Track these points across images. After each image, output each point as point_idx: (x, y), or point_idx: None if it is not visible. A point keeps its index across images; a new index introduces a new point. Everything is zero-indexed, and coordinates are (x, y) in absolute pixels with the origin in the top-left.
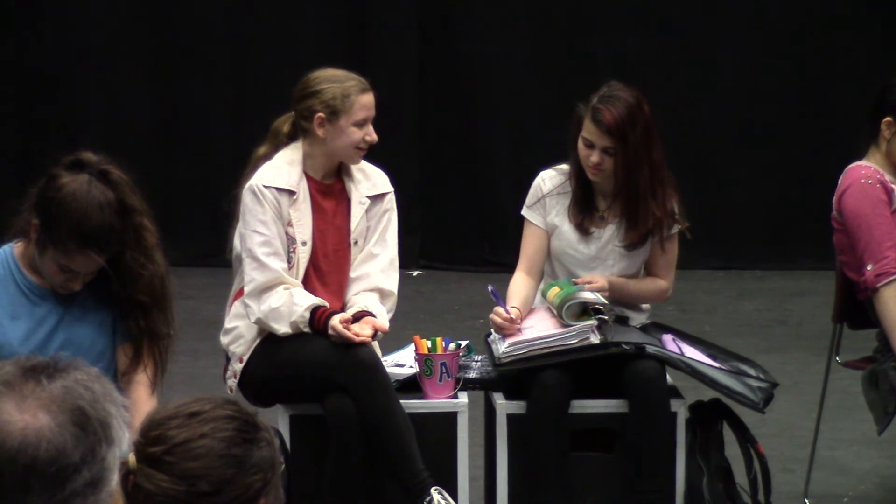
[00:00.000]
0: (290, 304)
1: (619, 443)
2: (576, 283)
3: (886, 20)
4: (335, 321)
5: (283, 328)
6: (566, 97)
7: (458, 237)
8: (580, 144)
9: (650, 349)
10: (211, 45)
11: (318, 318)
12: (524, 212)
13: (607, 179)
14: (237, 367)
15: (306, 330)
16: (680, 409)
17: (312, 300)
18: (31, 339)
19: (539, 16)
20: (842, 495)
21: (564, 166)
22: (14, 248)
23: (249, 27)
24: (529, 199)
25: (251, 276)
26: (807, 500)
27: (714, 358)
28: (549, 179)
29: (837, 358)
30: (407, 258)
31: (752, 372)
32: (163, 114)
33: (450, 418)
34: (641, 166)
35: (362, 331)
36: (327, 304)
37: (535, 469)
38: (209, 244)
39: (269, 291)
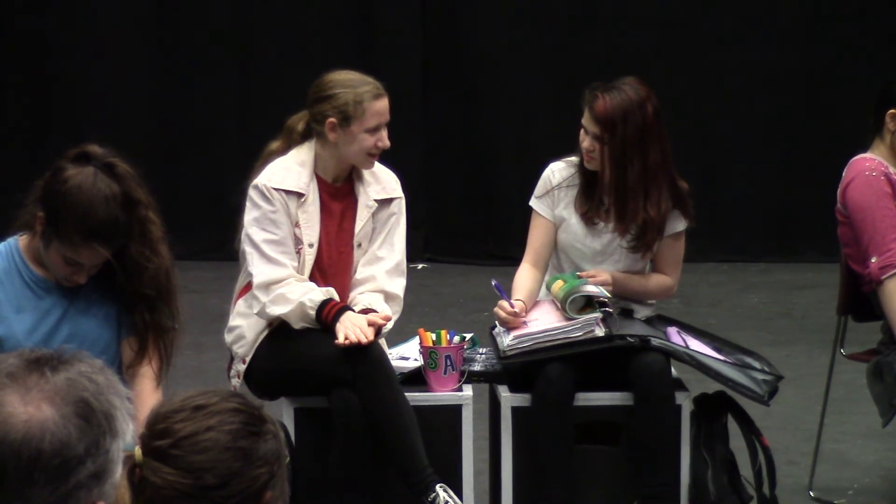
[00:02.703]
0: (298, 289)
1: (623, 436)
2: (580, 277)
3: (891, 14)
4: (346, 329)
5: (284, 309)
6: (570, 91)
7: (463, 231)
8: (581, 130)
9: (655, 342)
10: (216, 38)
11: (328, 311)
12: (532, 202)
13: (600, 169)
14: (240, 367)
15: (311, 312)
16: (685, 402)
17: (321, 295)
18: (35, 332)
19: (543, 10)
20: (846, 488)
21: (574, 158)
22: (19, 241)
23: (254, 21)
24: (538, 189)
25: (260, 270)
26: (811, 493)
27: (719, 351)
28: (558, 171)
29: (842, 350)
30: (411, 252)
31: (756, 365)
32: (168, 107)
33: (454, 411)
34: (632, 162)
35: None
36: (338, 298)
37: (539, 462)
38: (214, 238)
39: (279, 284)
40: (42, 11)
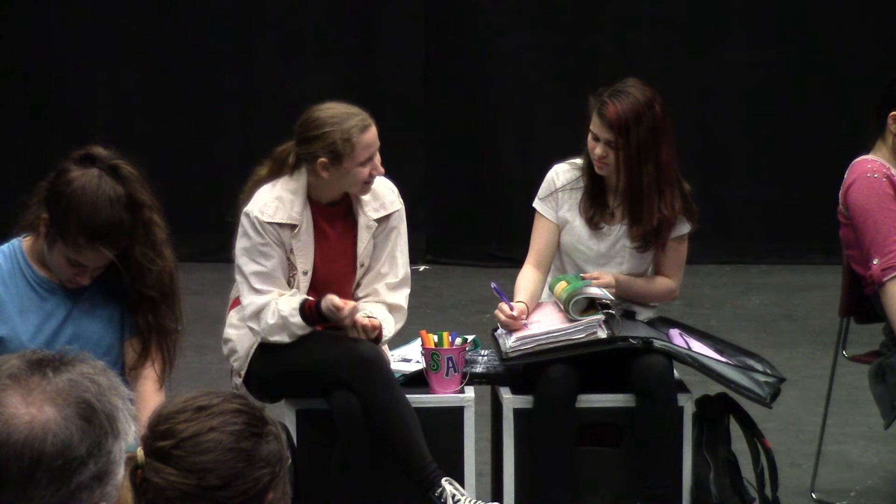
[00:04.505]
0: (279, 315)
1: (626, 437)
2: (583, 279)
3: (893, 14)
4: (329, 300)
5: (285, 339)
6: (573, 92)
7: (465, 232)
8: (589, 137)
9: (657, 344)
10: (218, 40)
11: (308, 311)
12: (536, 204)
13: (613, 174)
14: (237, 381)
15: (305, 332)
16: (687, 404)
17: (294, 302)
18: (39, 334)
19: (546, 11)
20: (849, 490)
21: (578, 160)
22: (23, 242)
23: (256, 23)
24: (542, 191)
25: (249, 300)
26: (814, 495)
27: (721, 353)
28: (562, 173)
29: (844, 352)
30: (413, 253)
31: (758, 366)
32: (170, 109)
33: (456, 413)
34: (646, 164)
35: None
36: (310, 298)
37: (542, 464)
38: (216, 240)
39: (264, 310)
40: (45, 12)
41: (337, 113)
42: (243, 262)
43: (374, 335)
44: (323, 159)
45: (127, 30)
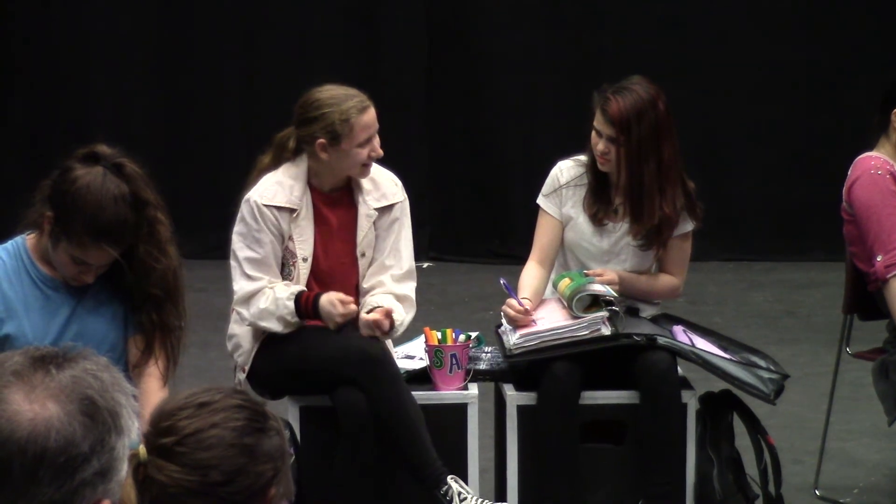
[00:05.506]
0: (274, 300)
1: (629, 434)
2: (586, 275)
3: None
4: (330, 296)
5: (274, 326)
6: (575, 90)
7: (468, 229)
8: (592, 133)
9: (661, 340)
10: (220, 38)
11: (304, 303)
12: (540, 200)
13: (615, 170)
14: (241, 376)
15: (295, 320)
16: (690, 401)
17: (292, 289)
18: (44, 331)
19: (548, 10)
20: (852, 486)
21: (583, 157)
22: (26, 240)
23: (258, 21)
24: (546, 188)
25: (240, 285)
26: (817, 492)
27: (725, 349)
28: (566, 170)
29: (848, 349)
30: (416, 250)
31: (762, 363)
32: (173, 106)
33: (460, 410)
34: (647, 161)
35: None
36: (306, 289)
37: (545, 460)
38: (220, 237)
39: (256, 295)
40: (45, 12)
41: (335, 94)
42: (238, 246)
43: (387, 325)
44: (321, 140)
45: (127, 29)
